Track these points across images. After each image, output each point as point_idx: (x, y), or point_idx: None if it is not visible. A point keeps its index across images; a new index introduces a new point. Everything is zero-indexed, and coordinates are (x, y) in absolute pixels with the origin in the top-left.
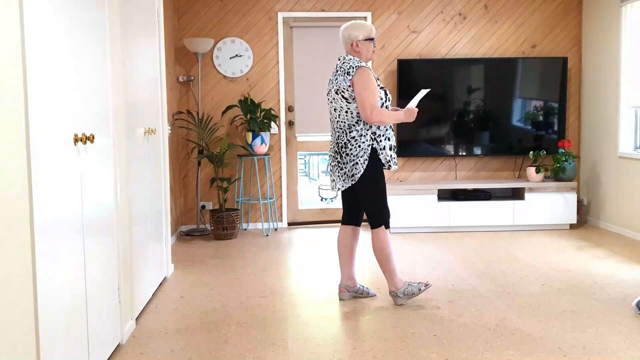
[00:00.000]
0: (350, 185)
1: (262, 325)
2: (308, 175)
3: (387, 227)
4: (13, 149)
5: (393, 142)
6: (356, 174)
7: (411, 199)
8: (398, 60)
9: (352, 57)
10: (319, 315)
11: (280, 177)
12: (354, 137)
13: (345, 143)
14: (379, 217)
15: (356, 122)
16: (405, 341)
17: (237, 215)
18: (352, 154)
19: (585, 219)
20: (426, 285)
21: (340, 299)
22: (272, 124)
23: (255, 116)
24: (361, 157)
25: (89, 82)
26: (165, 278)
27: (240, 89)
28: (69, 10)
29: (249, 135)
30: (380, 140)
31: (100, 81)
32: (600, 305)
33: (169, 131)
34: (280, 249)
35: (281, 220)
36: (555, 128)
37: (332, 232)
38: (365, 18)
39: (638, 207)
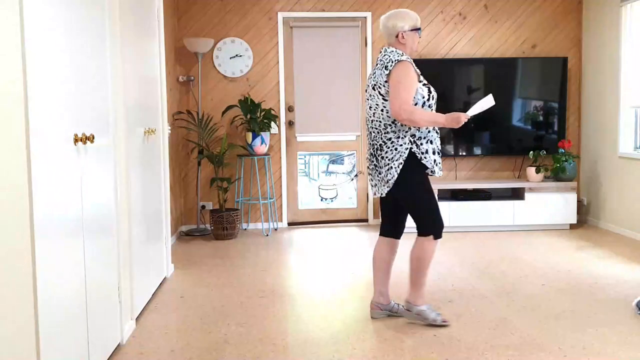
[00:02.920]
0: (387, 190)
1: (262, 325)
2: (308, 175)
3: (437, 237)
4: (13, 149)
5: (437, 145)
6: (390, 180)
7: None
8: None
9: (394, 49)
10: (319, 315)
11: (280, 177)
12: (390, 139)
13: (380, 145)
14: (427, 226)
15: (393, 122)
16: (405, 341)
17: (237, 215)
18: (387, 157)
19: (585, 219)
20: (444, 321)
21: (372, 317)
22: (272, 124)
23: (255, 116)
24: (396, 160)
25: (89, 82)
26: (165, 278)
27: (240, 89)
28: (68, 10)
29: (249, 135)
30: (421, 144)
31: (100, 81)
32: (600, 305)
33: (169, 131)
34: (280, 249)
35: (281, 220)
36: (555, 128)
37: (332, 232)
38: (365, 18)
39: (638, 207)
